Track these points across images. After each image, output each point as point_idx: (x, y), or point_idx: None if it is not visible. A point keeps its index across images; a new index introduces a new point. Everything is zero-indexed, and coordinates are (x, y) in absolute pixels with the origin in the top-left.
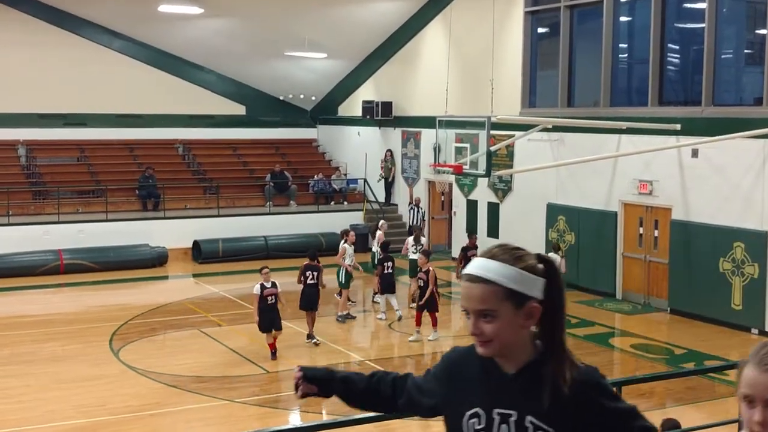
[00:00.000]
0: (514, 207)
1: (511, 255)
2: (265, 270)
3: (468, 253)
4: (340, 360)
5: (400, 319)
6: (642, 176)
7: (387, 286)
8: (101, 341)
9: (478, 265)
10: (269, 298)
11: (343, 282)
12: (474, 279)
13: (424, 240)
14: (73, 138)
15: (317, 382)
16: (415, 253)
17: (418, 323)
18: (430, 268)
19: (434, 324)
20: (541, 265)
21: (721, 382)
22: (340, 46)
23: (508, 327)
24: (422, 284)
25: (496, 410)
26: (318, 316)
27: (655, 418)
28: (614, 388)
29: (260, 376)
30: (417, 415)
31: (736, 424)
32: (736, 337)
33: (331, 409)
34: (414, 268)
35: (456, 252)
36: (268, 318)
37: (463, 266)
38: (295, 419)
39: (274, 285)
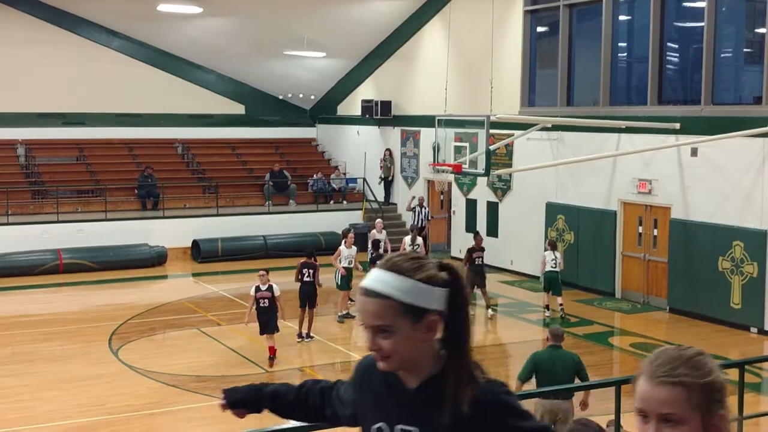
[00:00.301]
0: (513, 206)
1: (408, 266)
2: (261, 273)
3: (473, 255)
4: (339, 359)
5: None
6: (641, 175)
7: None
8: (100, 341)
9: (373, 278)
10: (261, 301)
11: (339, 283)
12: (369, 293)
13: (419, 240)
14: (72, 137)
15: (245, 404)
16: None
17: None
18: None
19: None
20: (443, 274)
21: None
22: (339, 45)
23: (406, 342)
24: None
25: (399, 426)
26: (318, 315)
27: None
28: (522, 405)
29: (259, 376)
30: (344, 425)
31: (735, 423)
32: (736, 335)
33: None
34: None
35: (455, 251)
36: (261, 321)
37: (469, 267)
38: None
39: (269, 289)
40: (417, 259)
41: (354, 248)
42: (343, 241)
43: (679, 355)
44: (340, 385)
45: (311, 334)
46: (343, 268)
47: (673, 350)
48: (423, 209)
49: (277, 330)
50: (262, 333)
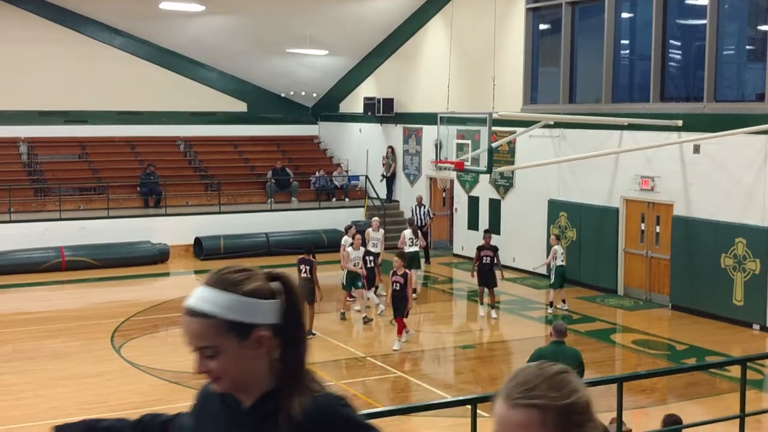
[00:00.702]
0: (515, 203)
1: (231, 279)
2: None
3: (481, 253)
4: (342, 356)
5: (347, 313)
6: (644, 172)
7: (367, 280)
8: (103, 338)
9: (195, 296)
10: None
11: (344, 284)
12: (190, 313)
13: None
14: (74, 135)
15: None
16: (412, 246)
17: (405, 327)
18: (407, 271)
19: (399, 332)
20: (274, 284)
21: (723, 378)
22: (341, 42)
23: (235, 361)
24: (398, 288)
25: None
26: (319, 313)
27: (657, 413)
28: (362, 417)
29: None
30: None
31: (737, 420)
32: (738, 332)
33: None
34: (409, 261)
35: (457, 248)
36: None
37: (477, 266)
38: None
39: None
40: (242, 271)
41: (362, 249)
42: (350, 243)
43: (539, 373)
44: (181, 417)
45: (313, 331)
46: (355, 268)
47: (533, 368)
48: (422, 208)
49: None
50: None
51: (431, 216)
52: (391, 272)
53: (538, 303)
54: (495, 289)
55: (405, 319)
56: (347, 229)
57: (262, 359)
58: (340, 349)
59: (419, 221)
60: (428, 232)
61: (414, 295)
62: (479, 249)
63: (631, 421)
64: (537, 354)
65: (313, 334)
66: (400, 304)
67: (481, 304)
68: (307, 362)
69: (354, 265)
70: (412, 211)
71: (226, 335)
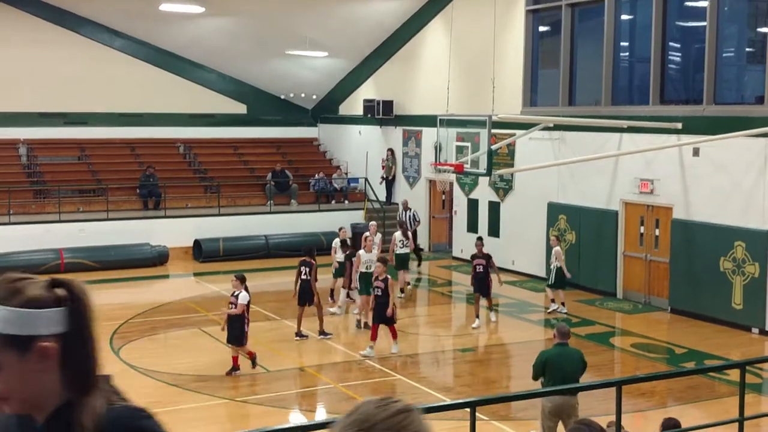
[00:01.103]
0: (515, 206)
1: (6, 290)
2: (232, 278)
3: (474, 262)
4: (341, 359)
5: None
6: (643, 175)
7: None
8: (101, 340)
9: None
10: (229, 306)
11: (359, 288)
12: None
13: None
14: (73, 137)
15: None
16: (403, 247)
17: (374, 337)
18: (388, 277)
19: (394, 336)
20: (58, 291)
21: (722, 381)
22: (341, 44)
23: (19, 378)
24: (380, 293)
25: None
26: (326, 316)
27: (656, 417)
28: (164, 429)
29: (260, 375)
30: None
31: (736, 423)
32: (737, 336)
33: (331, 408)
34: (400, 262)
35: (456, 251)
36: (228, 329)
37: (473, 276)
38: (294, 418)
39: (240, 295)
40: (18, 281)
41: (373, 252)
42: (363, 246)
43: (378, 412)
44: None
45: (325, 331)
46: (363, 272)
47: (373, 405)
48: (408, 212)
49: (241, 343)
50: (228, 342)
51: (418, 220)
52: (373, 278)
53: (537, 306)
54: (492, 293)
55: (390, 325)
56: (340, 230)
57: (49, 373)
58: (339, 352)
59: (407, 226)
60: (415, 235)
61: (401, 294)
62: (472, 258)
63: (631, 425)
64: (543, 357)
65: (328, 335)
66: (381, 310)
67: (477, 316)
68: (99, 371)
69: (367, 268)
70: (399, 215)
71: (4, 351)
